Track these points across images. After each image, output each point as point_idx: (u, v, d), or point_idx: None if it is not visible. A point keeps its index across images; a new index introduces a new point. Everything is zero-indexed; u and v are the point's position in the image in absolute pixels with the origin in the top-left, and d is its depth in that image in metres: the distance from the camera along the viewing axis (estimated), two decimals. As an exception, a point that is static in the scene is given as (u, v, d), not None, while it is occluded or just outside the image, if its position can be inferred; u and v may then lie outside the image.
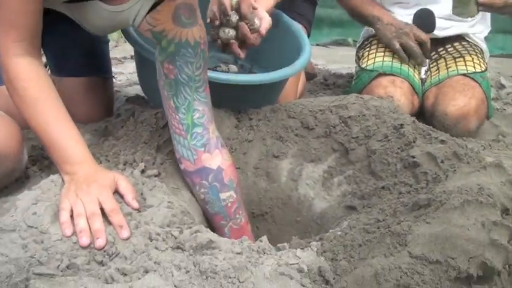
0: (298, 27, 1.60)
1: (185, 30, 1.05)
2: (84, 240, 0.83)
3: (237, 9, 1.32)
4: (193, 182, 1.16)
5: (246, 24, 1.31)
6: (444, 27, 1.83)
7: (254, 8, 1.34)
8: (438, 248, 0.77)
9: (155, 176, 1.12)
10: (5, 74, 0.96)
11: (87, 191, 0.89)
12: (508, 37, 4.50)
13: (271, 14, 1.49)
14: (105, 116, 1.53)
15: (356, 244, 0.85)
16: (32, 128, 0.97)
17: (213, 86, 1.16)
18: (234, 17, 1.32)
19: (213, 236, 0.90)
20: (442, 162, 1.05)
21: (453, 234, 0.78)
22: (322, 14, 4.08)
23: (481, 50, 1.89)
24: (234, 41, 1.33)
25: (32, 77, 0.96)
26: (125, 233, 0.86)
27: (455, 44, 1.84)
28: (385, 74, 1.70)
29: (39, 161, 1.28)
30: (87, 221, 0.85)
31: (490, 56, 2.35)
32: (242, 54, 1.34)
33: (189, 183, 1.17)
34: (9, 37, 0.94)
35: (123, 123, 1.33)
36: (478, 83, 1.67)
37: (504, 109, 2.12)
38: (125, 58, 2.74)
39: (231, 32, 1.33)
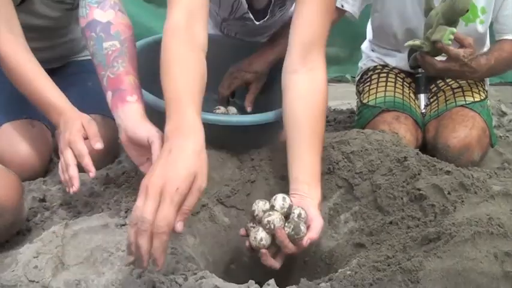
0: None
1: None
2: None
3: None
4: (86, 37, 1.21)
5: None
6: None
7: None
8: (451, 284, 0.75)
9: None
10: None
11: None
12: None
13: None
14: (108, 159, 1.52)
15: (367, 283, 0.83)
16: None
17: (214, 128, 1.16)
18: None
19: (219, 281, 0.88)
20: (449, 193, 1.03)
21: (465, 268, 0.76)
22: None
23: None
24: (265, 250, 1.00)
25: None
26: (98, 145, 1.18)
27: None
28: (388, 110, 1.69)
29: (40, 212, 1.27)
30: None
31: (490, 84, 2.35)
32: (277, 264, 1.03)
33: (85, 42, 1.25)
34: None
35: (124, 169, 1.32)
36: (478, 112, 1.67)
37: (507, 136, 2.11)
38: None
39: (264, 241, 1.01)
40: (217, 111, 1.56)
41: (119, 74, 1.16)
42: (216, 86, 1.62)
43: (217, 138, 1.18)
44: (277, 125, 1.41)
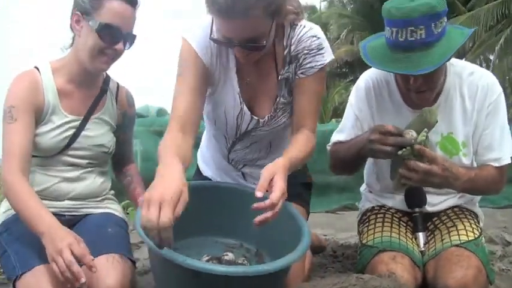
0: (296, 211, 1.72)
1: None
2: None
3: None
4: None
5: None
6: (434, 203, 1.97)
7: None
8: None
9: None
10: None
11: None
12: (512, 188, 4.65)
13: None
14: None
15: None
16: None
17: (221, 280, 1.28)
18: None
19: None
20: None
21: None
22: (331, 180, 4.29)
23: (475, 213, 2.01)
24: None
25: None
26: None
27: (448, 211, 1.97)
28: (385, 250, 1.79)
29: None
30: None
31: (497, 207, 2.45)
32: None
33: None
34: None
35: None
36: (473, 251, 1.75)
37: (509, 269, 2.17)
38: (142, 243, 2.86)
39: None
40: (226, 257, 1.67)
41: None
42: (226, 231, 1.76)
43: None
44: (282, 272, 1.51)
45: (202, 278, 1.31)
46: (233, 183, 1.95)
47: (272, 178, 1.45)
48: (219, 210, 1.77)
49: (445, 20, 1.72)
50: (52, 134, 1.77)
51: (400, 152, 1.68)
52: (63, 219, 1.72)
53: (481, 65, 17.61)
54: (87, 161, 1.86)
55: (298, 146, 1.66)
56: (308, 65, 1.70)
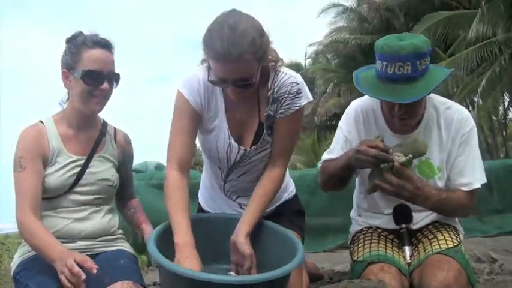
0: (289, 232, 1.92)
1: None
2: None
3: None
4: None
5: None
6: (418, 221, 2.16)
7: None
8: None
9: None
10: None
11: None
12: (505, 216, 4.81)
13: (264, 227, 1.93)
14: None
15: None
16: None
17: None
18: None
19: None
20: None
21: None
22: (327, 222, 4.45)
23: (455, 227, 2.19)
24: None
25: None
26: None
27: (429, 226, 2.15)
28: (374, 262, 1.97)
29: None
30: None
31: (488, 236, 2.59)
32: None
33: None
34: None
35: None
36: (452, 256, 1.93)
37: (493, 278, 2.33)
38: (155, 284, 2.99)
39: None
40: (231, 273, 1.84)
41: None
42: (224, 257, 1.92)
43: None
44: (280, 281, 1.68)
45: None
46: (223, 213, 2.15)
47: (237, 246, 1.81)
48: (215, 239, 1.94)
49: (429, 59, 1.97)
50: (59, 173, 1.98)
51: (382, 166, 1.92)
52: None
53: (467, 108, 18.19)
54: (94, 196, 2.05)
55: (259, 195, 1.97)
56: (287, 106, 1.94)
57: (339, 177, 2.20)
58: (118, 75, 2.05)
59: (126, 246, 2.15)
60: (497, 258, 2.90)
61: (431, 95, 2.11)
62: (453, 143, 2.11)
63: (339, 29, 22.83)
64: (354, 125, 2.20)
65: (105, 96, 2.03)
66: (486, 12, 13.79)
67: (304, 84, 1.98)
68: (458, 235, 2.15)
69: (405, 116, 2.03)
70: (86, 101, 1.99)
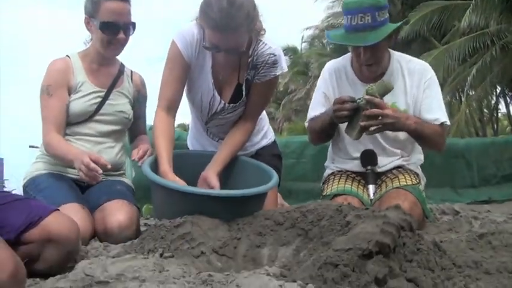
0: (264, 164, 2.24)
1: None
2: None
3: None
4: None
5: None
6: (383, 164, 2.44)
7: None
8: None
9: (170, 257, 1.59)
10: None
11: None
12: (480, 189, 5.07)
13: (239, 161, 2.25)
14: (132, 233, 2.09)
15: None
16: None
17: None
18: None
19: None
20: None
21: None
22: (311, 187, 4.67)
23: (416, 173, 2.46)
24: None
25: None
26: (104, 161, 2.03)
27: (393, 170, 2.44)
28: (339, 195, 2.25)
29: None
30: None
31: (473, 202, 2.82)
32: None
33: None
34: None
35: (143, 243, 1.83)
36: (409, 191, 2.22)
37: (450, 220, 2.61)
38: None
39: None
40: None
41: None
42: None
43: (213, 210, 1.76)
44: (258, 198, 1.95)
45: (189, 199, 1.78)
46: (201, 150, 2.48)
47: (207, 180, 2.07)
48: (191, 170, 2.20)
49: (387, 12, 2.37)
50: (83, 100, 2.26)
51: (357, 101, 2.24)
52: (82, 185, 2.22)
53: (459, 98, 18.45)
54: (111, 127, 2.34)
55: (229, 144, 2.25)
56: (263, 74, 2.22)
57: (325, 133, 2.53)
58: (134, 24, 2.30)
59: (126, 181, 2.43)
60: (461, 211, 3.14)
61: (395, 52, 2.47)
62: (418, 89, 2.43)
63: (336, 14, 22.97)
64: (330, 82, 2.53)
65: (122, 43, 2.31)
66: (480, 3, 13.99)
67: (282, 56, 2.26)
68: (419, 180, 2.43)
69: (370, 62, 2.38)
70: (104, 47, 2.28)
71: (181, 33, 2.17)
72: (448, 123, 2.41)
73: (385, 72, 2.46)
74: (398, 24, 2.40)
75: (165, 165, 2.00)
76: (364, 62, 2.38)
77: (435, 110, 2.41)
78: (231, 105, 2.27)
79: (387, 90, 2.24)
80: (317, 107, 2.55)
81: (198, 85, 2.27)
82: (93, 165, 1.98)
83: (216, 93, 2.26)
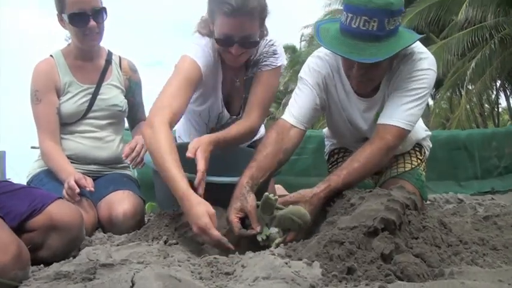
0: None
1: None
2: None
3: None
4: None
5: None
6: None
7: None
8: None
9: (174, 244, 1.59)
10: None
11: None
12: (483, 181, 5.04)
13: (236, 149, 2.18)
14: (136, 223, 2.09)
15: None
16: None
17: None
18: None
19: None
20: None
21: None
22: (310, 181, 4.67)
23: (420, 145, 2.37)
24: None
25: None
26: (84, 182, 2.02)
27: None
28: None
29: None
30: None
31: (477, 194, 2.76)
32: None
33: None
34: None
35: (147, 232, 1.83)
36: (406, 180, 2.20)
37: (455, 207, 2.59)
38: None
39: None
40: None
41: None
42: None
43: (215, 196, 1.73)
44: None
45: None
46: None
47: (196, 151, 1.75)
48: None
49: (399, 20, 1.76)
50: (72, 100, 2.24)
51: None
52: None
53: (459, 93, 18.35)
54: (106, 121, 2.32)
55: (232, 128, 2.02)
56: (264, 64, 2.15)
57: None
58: (104, 9, 2.22)
59: (131, 174, 2.43)
60: (465, 200, 3.15)
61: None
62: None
63: (334, 12, 22.95)
64: (319, 92, 2.05)
65: (97, 31, 2.23)
66: (477, -3, 13.98)
67: (282, 49, 2.20)
68: (422, 153, 2.35)
69: (363, 79, 1.87)
70: (80, 39, 2.24)
71: (198, 51, 2.02)
72: (400, 126, 1.85)
73: (380, 88, 2.00)
74: (410, 42, 1.79)
75: (186, 188, 1.59)
76: (355, 78, 1.88)
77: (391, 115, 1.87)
78: (239, 116, 2.24)
79: (296, 225, 1.59)
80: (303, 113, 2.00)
81: (209, 102, 2.23)
82: (71, 182, 2.02)
83: (225, 110, 2.25)
